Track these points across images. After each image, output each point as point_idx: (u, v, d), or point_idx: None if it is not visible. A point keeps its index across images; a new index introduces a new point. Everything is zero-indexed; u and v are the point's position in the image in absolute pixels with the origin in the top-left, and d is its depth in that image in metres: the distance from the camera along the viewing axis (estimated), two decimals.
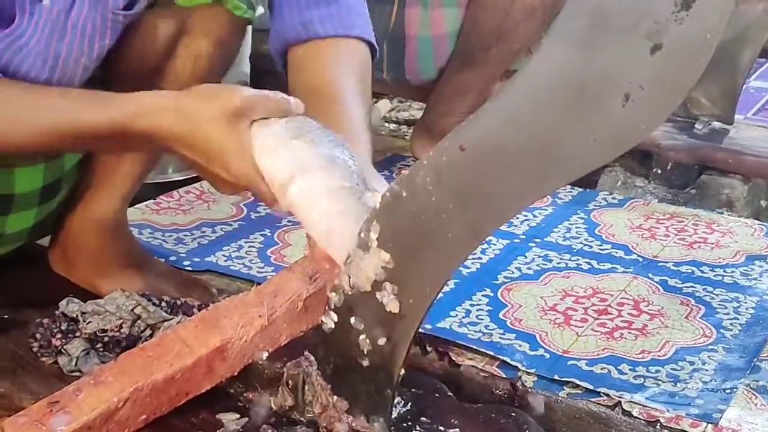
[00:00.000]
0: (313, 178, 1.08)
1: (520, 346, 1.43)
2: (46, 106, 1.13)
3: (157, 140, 1.12)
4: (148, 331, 1.27)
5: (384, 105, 2.67)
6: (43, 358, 1.28)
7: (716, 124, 2.32)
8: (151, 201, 1.92)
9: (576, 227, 1.92)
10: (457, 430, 1.14)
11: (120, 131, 1.12)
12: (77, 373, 1.23)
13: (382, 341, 1.07)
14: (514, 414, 1.19)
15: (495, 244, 1.80)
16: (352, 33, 1.35)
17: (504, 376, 1.36)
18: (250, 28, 1.43)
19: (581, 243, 1.85)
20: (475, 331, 1.47)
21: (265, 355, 1.18)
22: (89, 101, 1.14)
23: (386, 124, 2.60)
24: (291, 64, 1.36)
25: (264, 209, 1.92)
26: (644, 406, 1.29)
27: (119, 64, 1.31)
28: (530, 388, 1.32)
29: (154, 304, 1.31)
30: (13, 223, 1.39)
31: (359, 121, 1.26)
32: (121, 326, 1.26)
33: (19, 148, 1.17)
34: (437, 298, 1.05)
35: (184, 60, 1.35)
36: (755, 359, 1.43)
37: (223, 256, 1.72)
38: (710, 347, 1.46)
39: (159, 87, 1.34)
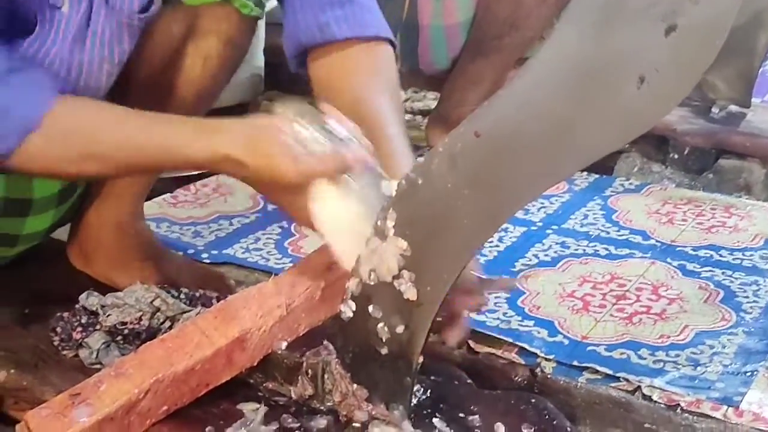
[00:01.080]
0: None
1: (539, 332, 1.43)
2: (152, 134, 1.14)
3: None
4: (167, 323, 1.27)
5: None
6: (65, 352, 1.28)
7: (733, 108, 2.31)
8: (168, 195, 1.93)
9: (593, 213, 1.92)
10: (477, 417, 1.14)
11: (202, 167, 1.16)
12: (98, 366, 1.24)
13: (400, 329, 1.07)
14: (533, 400, 1.19)
15: (512, 232, 1.79)
16: (369, 33, 1.32)
17: (523, 362, 1.36)
18: (262, 22, 1.42)
19: (598, 229, 1.84)
20: (493, 319, 1.47)
21: (284, 344, 1.18)
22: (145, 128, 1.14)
23: None
24: (314, 75, 1.34)
25: None
26: (664, 390, 1.29)
27: (129, 63, 1.31)
28: (549, 374, 1.32)
29: (172, 296, 1.31)
30: (31, 224, 1.40)
31: (400, 143, 1.23)
32: (140, 318, 1.26)
33: (99, 177, 1.22)
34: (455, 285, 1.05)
35: (194, 59, 1.35)
36: None
37: (241, 248, 1.72)
38: (730, 331, 1.45)
39: (169, 86, 1.35)
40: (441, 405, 1.16)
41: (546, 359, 1.36)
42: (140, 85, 1.32)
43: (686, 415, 1.24)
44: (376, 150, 1.15)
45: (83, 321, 1.28)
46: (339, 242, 1.11)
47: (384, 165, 1.14)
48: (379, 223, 1.05)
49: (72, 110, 1.14)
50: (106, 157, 1.13)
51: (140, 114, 1.14)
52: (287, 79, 1.31)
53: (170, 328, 1.26)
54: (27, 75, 1.12)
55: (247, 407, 1.15)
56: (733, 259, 1.71)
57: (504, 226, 1.78)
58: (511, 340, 1.40)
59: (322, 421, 1.12)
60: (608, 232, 1.83)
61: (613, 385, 1.30)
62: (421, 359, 1.08)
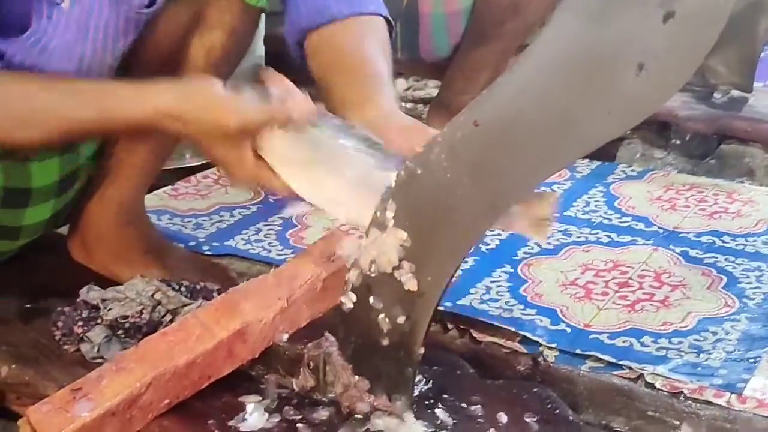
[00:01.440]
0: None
1: (541, 321, 1.43)
2: (78, 102, 1.15)
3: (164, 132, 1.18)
4: (168, 317, 1.27)
5: (399, 84, 2.66)
6: (66, 346, 1.28)
7: (735, 93, 2.30)
8: (169, 187, 1.92)
9: (595, 201, 1.91)
10: (479, 406, 1.13)
11: (141, 127, 1.17)
12: (99, 360, 1.23)
13: (401, 320, 1.07)
14: (536, 389, 1.19)
15: None
16: (366, 10, 1.34)
17: (525, 351, 1.35)
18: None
19: (601, 216, 1.84)
20: (495, 308, 1.47)
21: (286, 336, 1.18)
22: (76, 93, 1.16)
23: (402, 104, 2.59)
24: (310, 48, 1.34)
25: None
26: (667, 377, 1.28)
27: (133, 54, 1.31)
28: (552, 362, 1.32)
29: (173, 289, 1.31)
30: (31, 215, 1.39)
31: (386, 76, 1.25)
32: (141, 312, 1.26)
33: (46, 142, 1.20)
34: (456, 275, 1.05)
35: (198, 50, 1.35)
36: None
37: (242, 239, 1.72)
38: (733, 317, 1.45)
39: (173, 77, 1.34)
40: (443, 395, 1.16)
41: (548, 348, 1.36)
42: (144, 75, 1.32)
43: (689, 402, 1.24)
44: (361, 86, 1.20)
45: (84, 315, 1.28)
46: (293, 179, 1.12)
47: (368, 100, 1.18)
48: (378, 213, 1.05)
49: (6, 79, 1.15)
50: (41, 123, 1.14)
51: (72, 79, 1.18)
52: (288, 69, 1.31)
53: (171, 321, 1.26)
54: None
55: (249, 399, 1.15)
56: (736, 245, 1.71)
57: None
58: (513, 329, 1.39)
59: (324, 413, 1.12)
60: (610, 219, 1.82)
61: (615, 373, 1.30)
62: (422, 350, 1.08)
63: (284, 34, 1.38)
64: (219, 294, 1.28)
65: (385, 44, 1.33)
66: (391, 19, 1.37)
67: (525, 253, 1.67)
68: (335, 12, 1.32)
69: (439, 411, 1.12)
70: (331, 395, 1.14)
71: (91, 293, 1.29)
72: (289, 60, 1.40)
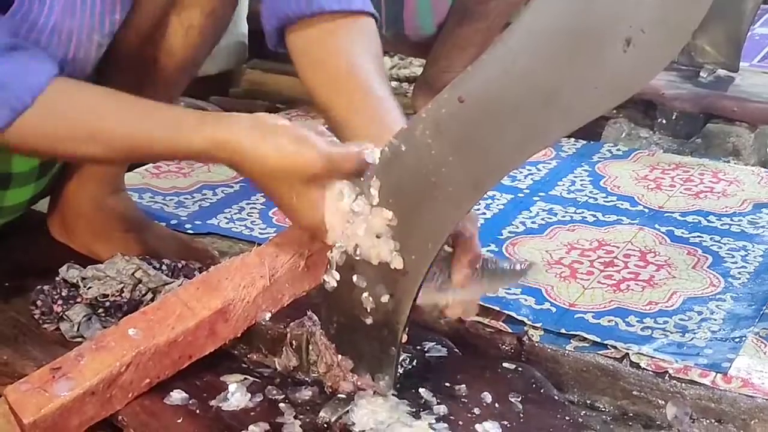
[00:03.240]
0: None
1: (526, 300, 1.42)
2: (136, 122, 1.11)
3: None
4: (149, 295, 1.26)
5: (385, 63, 2.64)
6: (45, 325, 1.27)
7: (721, 72, 2.29)
8: (151, 165, 1.90)
9: (581, 180, 1.90)
10: (464, 386, 1.13)
11: (200, 156, 1.10)
12: (79, 339, 1.22)
13: (385, 298, 1.06)
14: (521, 369, 1.18)
15: (499, 199, 1.78)
16: (354, 6, 1.29)
17: (510, 331, 1.35)
18: None
19: (586, 195, 1.83)
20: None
21: (268, 315, 1.17)
22: (175, 125, 1.10)
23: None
24: (295, 47, 1.30)
25: None
26: (652, 357, 1.28)
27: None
28: (537, 342, 1.31)
29: (154, 267, 1.29)
30: (11, 197, 1.38)
31: (391, 104, 1.21)
32: (122, 291, 1.25)
33: (97, 160, 1.22)
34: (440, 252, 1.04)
35: (176, 29, 1.34)
36: (764, 307, 1.41)
37: (225, 218, 1.70)
38: (718, 296, 1.44)
39: (151, 56, 1.34)
40: (427, 374, 1.15)
41: (533, 327, 1.35)
42: (123, 54, 1.31)
43: (674, 382, 1.24)
44: (369, 113, 1.16)
45: (64, 294, 1.26)
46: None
47: (378, 126, 1.14)
48: (363, 191, 1.04)
49: (73, 90, 1.12)
50: (106, 139, 1.10)
51: (139, 99, 1.12)
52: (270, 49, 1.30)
53: (152, 300, 1.25)
54: (28, 53, 1.11)
55: (231, 379, 1.14)
56: (722, 225, 1.70)
57: (491, 193, 1.77)
58: (498, 308, 1.38)
59: (306, 393, 1.12)
60: (596, 199, 1.82)
61: (600, 352, 1.29)
62: (407, 329, 1.07)
63: (262, 19, 1.34)
64: (200, 272, 1.27)
65: (379, 52, 1.30)
66: (376, 14, 1.34)
67: (510, 232, 1.66)
68: (323, 3, 1.27)
69: (422, 390, 1.11)
70: (314, 375, 1.13)
71: (70, 271, 1.28)
72: None
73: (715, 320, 1.38)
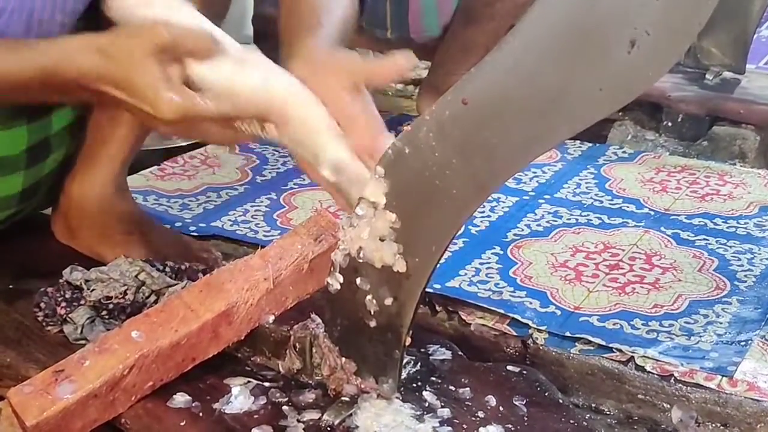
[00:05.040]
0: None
1: (531, 303, 1.42)
2: None
3: (84, 83, 1.08)
4: (152, 297, 1.26)
5: None
6: (49, 327, 1.26)
7: (727, 74, 2.28)
8: (156, 167, 1.91)
9: (586, 182, 1.90)
10: (468, 389, 1.12)
11: (48, 78, 1.09)
12: (83, 342, 1.22)
13: (389, 301, 1.05)
14: (525, 372, 1.18)
15: (504, 202, 1.77)
16: None
17: (515, 333, 1.34)
18: None
19: (591, 198, 1.82)
20: (485, 290, 1.45)
21: (272, 318, 1.17)
22: (13, 50, 1.11)
23: (392, 84, 2.56)
24: None
25: (269, 173, 1.91)
26: (657, 360, 1.27)
27: (97, 27, 1.28)
28: (542, 345, 1.31)
29: (158, 269, 1.29)
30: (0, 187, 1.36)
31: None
32: (125, 293, 1.24)
33: None
34: (445, 256, 1.03)
35: None
36: None
37: (229, 220, 1.70)
38: (724, 300, 1.44)
39: None
40: (431, 377, 1.15)
41: (538, 330, 1.34)
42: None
43: (680, 385, 1.23)
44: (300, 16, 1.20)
45: (67, 296, 1.26)
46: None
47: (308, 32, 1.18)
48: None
49: None
50: None
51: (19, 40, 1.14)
52: (274, 49, 1.29)
53: (155, 302, 1.24)
54: None
55: (234, 382, 1.14)
56: (728, 228, 1.70)
57: (496, 195, 1.77)
58: (502, 311, 1.38)
59: (310, 396, 1.11)
60: (601, 201, 1.81)
61: (605, 355, 1.29)
62: (410, 332, 1.07)
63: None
64: (204, 275, 1.26)
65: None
66: None
67: (515, 234, 1.65)
68: None
69: (426, 394, 1.11)
70: (317, 377, 1.13)
71: (74, 274, 1.27)
72: (276, 40, 1.37)
73: (721, 323, 1.37)
